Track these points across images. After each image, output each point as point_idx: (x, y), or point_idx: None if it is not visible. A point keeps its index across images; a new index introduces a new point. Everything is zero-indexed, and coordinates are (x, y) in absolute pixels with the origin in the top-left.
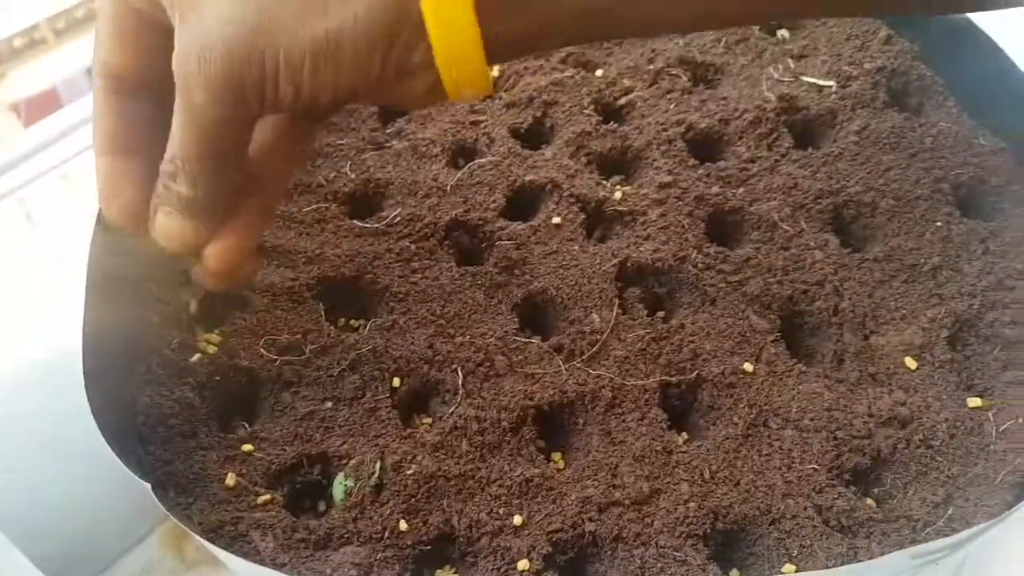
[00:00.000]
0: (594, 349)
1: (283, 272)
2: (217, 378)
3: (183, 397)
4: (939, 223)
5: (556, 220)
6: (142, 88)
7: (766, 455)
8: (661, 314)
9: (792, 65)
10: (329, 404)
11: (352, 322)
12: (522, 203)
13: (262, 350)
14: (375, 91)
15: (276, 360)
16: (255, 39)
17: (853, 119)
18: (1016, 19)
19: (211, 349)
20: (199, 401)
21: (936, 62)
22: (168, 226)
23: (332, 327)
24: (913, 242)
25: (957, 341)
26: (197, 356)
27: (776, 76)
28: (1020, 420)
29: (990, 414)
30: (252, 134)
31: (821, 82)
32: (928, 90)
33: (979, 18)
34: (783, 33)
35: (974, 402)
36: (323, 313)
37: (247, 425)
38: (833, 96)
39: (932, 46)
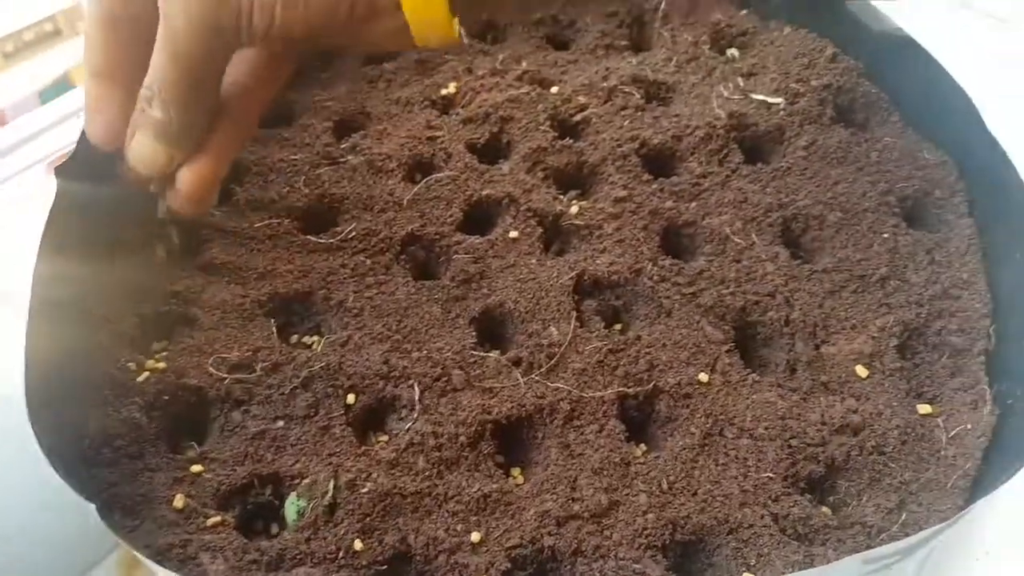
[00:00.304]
0: (552, 362)
1: (233, 289)
2: (166, 398)
3: (130, 417)
4: (886, 235)
5: (513, 234)
6: (133, 21)
7: (722, 464)
8: (618, 326)
9: (741, 83)
10: (281, 423)
11: (305, 339)
12: (479, 217)
13: (211, 368)
14: (344, 30)
15: (226, 378)
16: None
17: (801, 135)
18: (956, 35)
19: (160, 367)
20: (147, 421)
21: (881, 79)
22: (142, 149)
23: (284, 344)
24: (861, 253)
25: (906, 349)
26: (145, 375)
27: (726, 94)
28: (969, 426)
29: (940, 420)
30: (226, 66)
31: (770, 99)
32: (873, 106)
33: (921, 36)
34: (733, 52)
35: (924, 409)
36: (275, 330)
37: (196, 445)
38: (781, 113)
39: (877, 63)
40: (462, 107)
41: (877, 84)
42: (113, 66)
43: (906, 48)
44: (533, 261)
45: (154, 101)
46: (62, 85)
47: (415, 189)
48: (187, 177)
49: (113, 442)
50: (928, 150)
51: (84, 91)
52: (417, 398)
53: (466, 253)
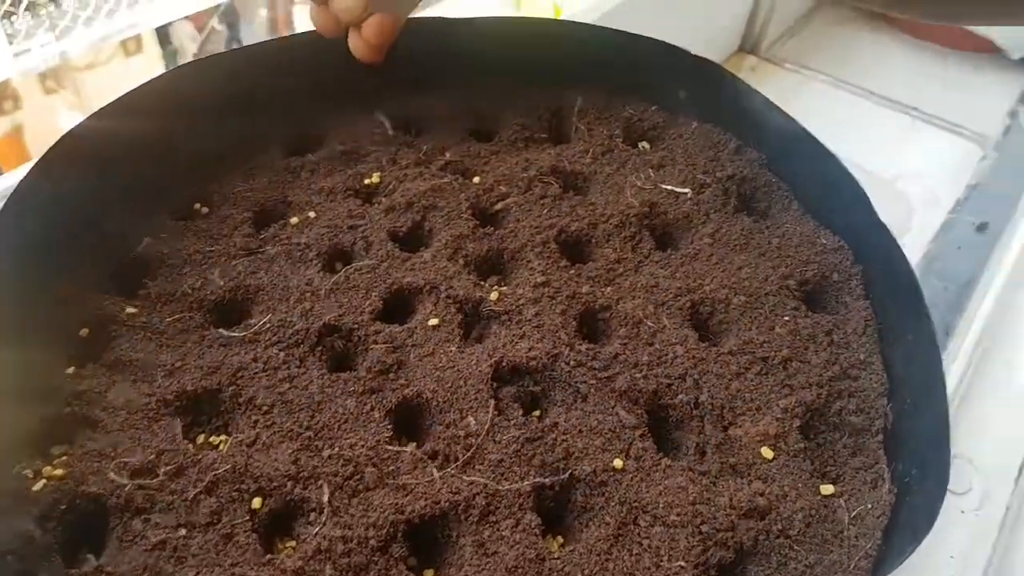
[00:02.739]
0: (469, 454)
1: (140, 387)
2: (63, 507)
3: (23, 530)
4: (787, 317)
5: (433, 321)
6: None
7: (636, 555)
8: (536, 412)
9: (652, 174)
10: (183, 531)
11: (212, 439)
12: (400, 306)
13: (112, 474)
14: None
15: (127, 485)
16: None
17: (707, 223)
18: (846, 131)
19: (58, 474)
20: (41, 533)
21: (781, 169)
22: None
23: (190, 445)
24: (764, 335)
25: (809, 430)
26: (42, 483)
27: (639, 184)
28: (870, 505)
29: (842, 500)
30: None
31: (678, 189)
32: (774, 195)
33: (815, 129)
34: (644, 145)
35: (827, 489)
36: (179, 431)
37: (93, 557)
38: (689, 202)
39: (777, 155)
40: (385, 196)
41: (777, 174)
42: None
43: (803, 141)
44: (452, 349)
45: None
46: None
47: (334, 278)
48: (370, 26)
49: (3, 558)
50: (825, 236)
51: None
52: (327, 500)
53: (384, 342)
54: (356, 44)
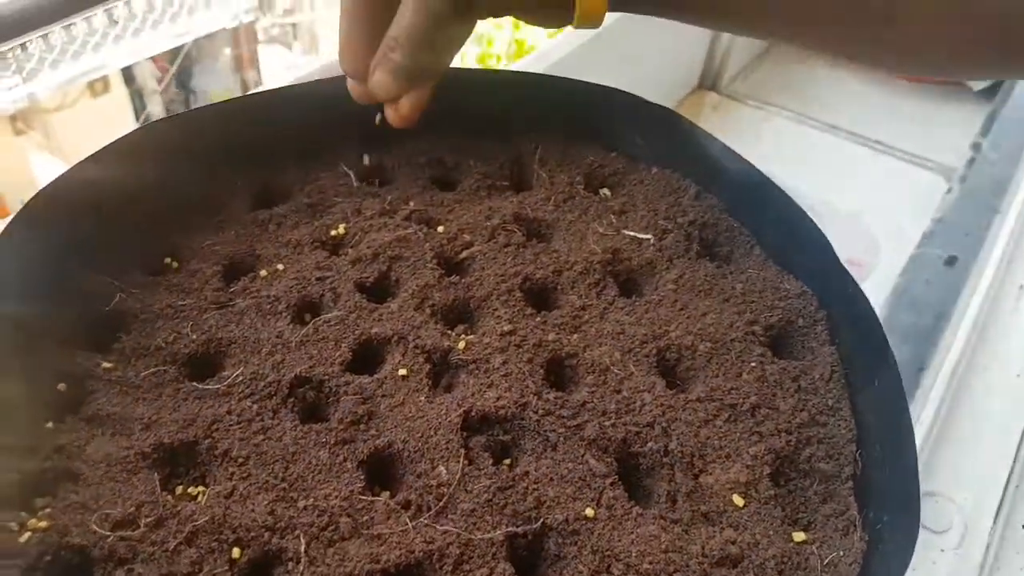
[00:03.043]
0: (441, 504)
1: (118, 440)
2: (48, 558)
3: None
4: (754, 363)
5: (402, 372)
6: None
7: None
8: (507, 461)
9: (614, 220)
10: None
11: (190, 490)
12: (369, 356)
13: (95, 526)
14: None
15: (109, 536)
16: None
17: (671, 269)
18: (811, 165)
19: (42, 526)
20: None
21: (741, 214)
22: (382, 81)
23: (169, 497)
24: (731, 382)
25: (779, 476)
26: (27, 536)
27: (601, 230)
28: (842, 553)
29: (814, 548)
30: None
31: (640, 235)
32: (736, 240)
33: (780, 164)
34: (605, 191)
35: (799, 536)
36: (158, 483)
37: None
38: (651, 248)
39: (737, 200)
40: (351, 247)
41: (738, 219)
42: (362, 14)
43: (761, 186)
44: (422, 399)
45: (397, 50)
46: None
47: (303, 330)
48: (407, 104)
49: None
50: (788, 281)
51: (338, 28)
52: (303, 550)
53: (355, 394)
54: (392, 116)
